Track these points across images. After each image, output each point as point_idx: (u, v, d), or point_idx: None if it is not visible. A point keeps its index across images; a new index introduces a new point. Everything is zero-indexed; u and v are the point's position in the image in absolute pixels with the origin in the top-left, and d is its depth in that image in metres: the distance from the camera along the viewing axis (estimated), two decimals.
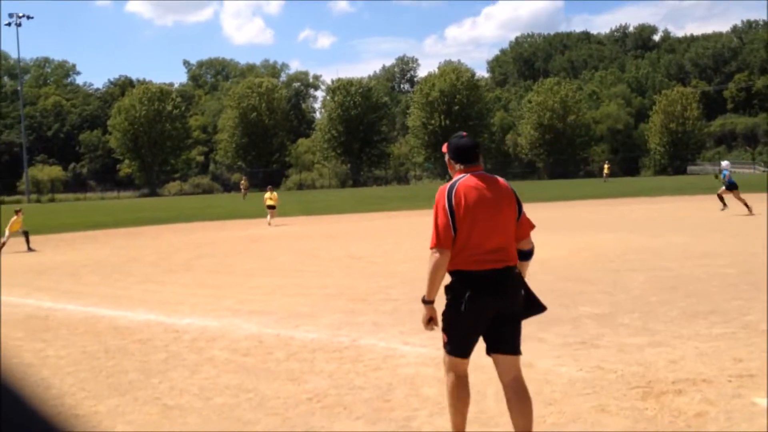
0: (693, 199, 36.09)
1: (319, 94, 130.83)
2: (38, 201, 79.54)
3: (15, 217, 22.61)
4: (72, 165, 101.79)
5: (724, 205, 24.81)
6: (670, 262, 13.63)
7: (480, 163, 4.67)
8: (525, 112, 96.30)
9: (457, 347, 4.56)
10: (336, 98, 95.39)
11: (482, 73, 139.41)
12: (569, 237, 19.08)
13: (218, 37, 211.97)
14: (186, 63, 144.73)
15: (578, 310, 9.41)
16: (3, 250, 21.67)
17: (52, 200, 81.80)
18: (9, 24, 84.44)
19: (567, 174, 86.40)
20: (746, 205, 24.11)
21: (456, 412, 4.63)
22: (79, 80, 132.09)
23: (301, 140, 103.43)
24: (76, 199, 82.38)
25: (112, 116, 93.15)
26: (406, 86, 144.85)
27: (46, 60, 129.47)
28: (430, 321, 4.58)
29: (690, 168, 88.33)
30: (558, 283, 11.74)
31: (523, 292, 4.54)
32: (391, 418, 5.56)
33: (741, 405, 5.49)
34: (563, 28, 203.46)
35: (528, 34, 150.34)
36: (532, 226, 4.71)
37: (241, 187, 60.12)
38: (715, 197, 25.53)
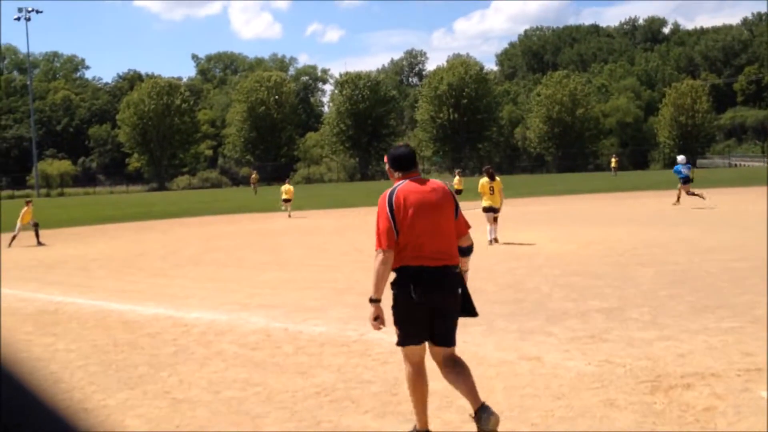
0: (703, 192, 35.91)
1: (328, 87, 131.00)
2: (48, 195, 79.88)
3: (26, 208, 22.65)
4: (81, 159, 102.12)
5: (692, 195, 26.09)
6: (679, 256, 13.59)
7: (417, 169, 5.06)
8: (534, 106, 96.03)
9: (408, 336, 4.82)
10: (344, 92, 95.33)
11: (491, 66, 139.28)
12: (578, 231, 19.04)
13: (227, 31, 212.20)
14: (194, 57, 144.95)
15: (587, 304, 9.39)
16: (14, 243, 21.76)
17: (61, 194, 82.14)
18: (18, 18, 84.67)
19: (576, 167, 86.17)
20: (678, 198, 26.55)
21: (416, 401, 4.90)
22: (88, 74, 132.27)
23: (309, 134, 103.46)
24: (86, 194, 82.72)
25: (121, 110, 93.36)
26: (415, 80, 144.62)
27: (56, 54, 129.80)
28: (376, 319, 4.81)
29: (700, 161, 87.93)
30: (566, 277, 11.72)
31: (460, 291, 4.84)
32: (398, 411, 5.57)
33: (749, 399, 5.48)
34: (572, 21, 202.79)
35: (537, 27, 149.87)
36: (469, 226, 5.06)
37: (252, 181, 58.91)
38: (696, 195, 26.15)
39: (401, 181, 4.93)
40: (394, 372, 6.63)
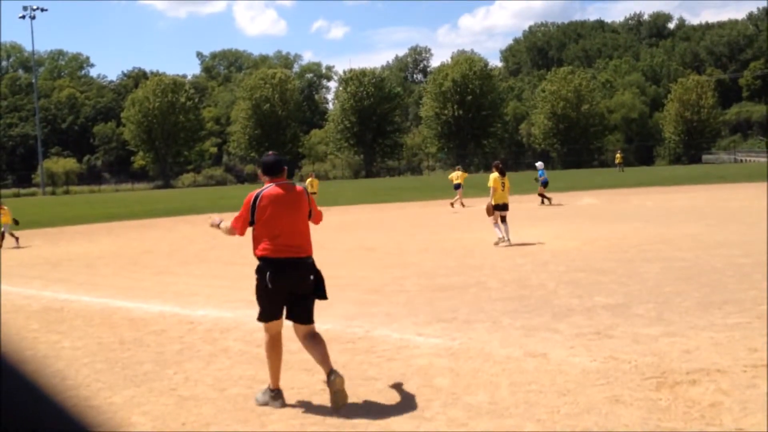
0: (708, 188, 35.87)
1: (332, 84, 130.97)
2: (53, 193, 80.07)
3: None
4: (86, 157, 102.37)
5: (544, 201, 28.93)
6: (685, 252, 13.56)
7: (283, 175, 6.01)
8: (538, 102, 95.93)
9: (265, 314, 5.85)
10: (349, 89, 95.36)
11: (495, 62, 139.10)
12: (583, 227, 19.02)
13: (231, 28, 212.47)
14: (199, 54, 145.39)
15: (592, 300, 9.38)
16: (3, 244, 21.36)
17: (66, 192, 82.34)
18: (23, 17, 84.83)
19: (581, 164, 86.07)
20: (547, 198, 28.79)
21: (271, 365, 5.90)
22: (93, 72, 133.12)
23: (314, 131, 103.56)
24: (91, 191, 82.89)
25: (125, 108, 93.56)
26: (419, 76, 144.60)
27: (60, 52, 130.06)
28: (219, 224, 6.37)
29: (705, 157, 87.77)
30: (572, 273, 11.71)
31: (313, 277, 5.84)
32: (404, 408, 5.58)
33: (756, 395, 5.46)
34: (577, 17, 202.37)
35: (542, 23, 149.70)
36: (321, 218, 6.37)
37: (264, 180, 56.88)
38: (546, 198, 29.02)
39: (269, 185, 5.93)
40: (400, 369, 6.64)
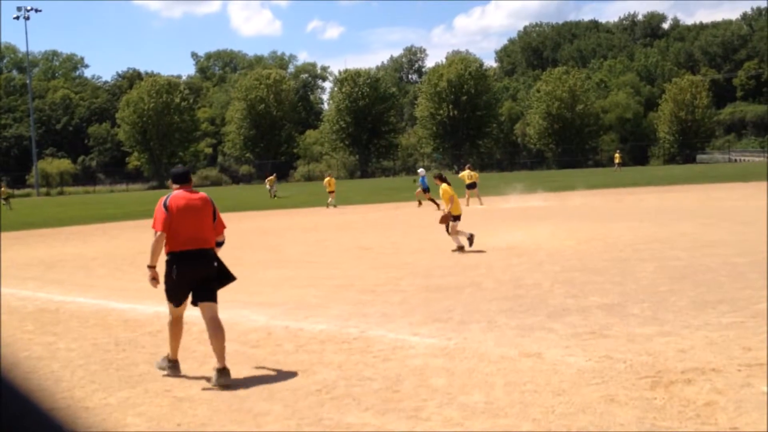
0: (702, 188, 35.95)
1: (327, 85, 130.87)
2: (48, 194, 79.90)
3: None
4: (81, 158, 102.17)
5: (422, 203, 30.29)
6: (680, 251, 13.59)
7: (189, 182, 7.10)
8: (533, 102, 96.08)
9: (172, 299, 6.90)
10: (344, 89, 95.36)
11: (490, 62, 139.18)
12: (578, 227, 19.04)
13: (226, 28, 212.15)
14: (194, 55, 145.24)
15: (587, 299, 9.39)
16: None
17: (61, 193, 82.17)
18: (18, 17, 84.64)
19: (576, 163, 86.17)
20: (433, 202, 28.48)
21: (173, 339, 6.91)
22: (88, 73, 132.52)
23: (309, 131, 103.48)
24: (86, 192, 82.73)
25: (120, 109, 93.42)
26: (414, 77, 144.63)
27: (55, 53, 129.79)
28: (153, 279, 6.97)
29: (699, 157, 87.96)
30: (567, 273, 11.72)
31: (216, 264, 6.95)
32: (400, 408, 5.57)
33: (751, 394, 5.47)
34: (572, 17, 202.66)
35: (536, 23, 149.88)
36: (224, 227, 7.22)
37: (268, 183, 47.05)
38: (427, 201, 29.93)
39: (177, 191, 6.96)
40: (396, 369, 6.64)
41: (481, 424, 5.15)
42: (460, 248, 14.98)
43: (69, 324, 9.62)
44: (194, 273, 6.78)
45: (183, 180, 7.08)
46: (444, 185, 15.66)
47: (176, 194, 6.91)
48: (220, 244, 7.27)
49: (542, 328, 7.93)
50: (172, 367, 6.87)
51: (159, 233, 6.77)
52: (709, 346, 6.84)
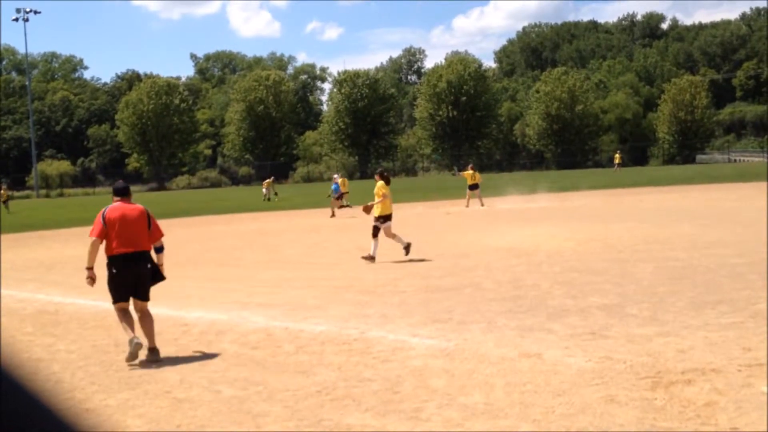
0: (702, 188, 35.96)
1: (326, 86, 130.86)
2: (47, 196, 79.85)
3: None
4: (80, 159, 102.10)
5: (343, 206, 29.35)
6: (679, 252, 13.59)
7: (128, 195, 8.09)
8: (533, 102, 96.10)
9: (116, 297, 7.79)
10: (343, 90, 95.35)
11: (490, 63, 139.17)
12: (577, 227, 19.04)
13: (225, 30, 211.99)
14: (193, 56, 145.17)
15: (587, 300, 9.39)
16: None
17: (61, 195, 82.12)
18: (17, 19, 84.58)
19: (575, 164, 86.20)
20: (336, 209, 28.71)
21: (126, 325, 7.66)
22: (87, 75, 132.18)
23: (308, 133, 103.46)
24: (85, 194, 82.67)
25: (119, 110, 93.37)
26: (413, 77, 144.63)
27: (54, 55, 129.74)
28: (89, 279, 7.88)
29: (699, 157, 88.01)
30: (566, 273, 11.72)
31: (150, 266, 7.87)
32: (399, 409, 5.57)
33: (750, 394, 5.48)
34: (571, 18, 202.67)
35: (535, 23, 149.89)
36: (161, 234, 8.12)
37: (265, 186, 45.05)
38: (346, 207, 29.43)
39: (116, 203, 7.96)
40: (395, 370, 6.64)
41: (481, 424, 5.15)
42: (371, 258, 14.06)
43: (68, 326, 9.62)
44: (130, 273, 7.75)
45: (123, 194, 8.12)
46: (381, 182, 14.87)
47: (114, 206, 7.93)
48: (159, 249, 8.14)
49: (542, 328, 7.93)
50: (136, 341, 7.56)
51: (93, 239, 7.76)
52: (708, 347, 6.84)
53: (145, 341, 7.60)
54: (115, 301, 7.83)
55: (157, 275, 8.01)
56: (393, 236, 14.63)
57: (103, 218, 7.76)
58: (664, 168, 73.79)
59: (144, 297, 7.84)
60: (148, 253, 7.90)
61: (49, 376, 7.00)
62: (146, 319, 7.75)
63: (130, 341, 7.46)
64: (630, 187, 39.72)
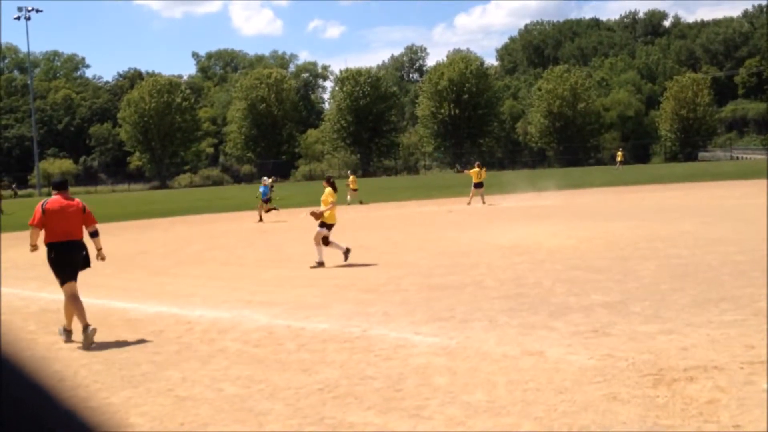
0: (704, 186, 35.92)
1: (328, 84, 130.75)
2: (49, 194, 79.82)
3: None
4: (82, 158, 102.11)
5: (263, 214, 27.29)
6: (681, 249, 13.58)
7: (66, 190, 9.06)
8: (535, 100, 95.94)
9: (62, 278, 8.72)
10: (345, 88, 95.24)
11: (491, 61, 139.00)
12: (579, 225, 19.03)
13: (227, 28, 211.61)
14: (195, 55, 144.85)
15: (589, 298, 9.40)
16: None
17: None
18: (18, 18, 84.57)
19: (577, 162, 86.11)
20: (261, 217, 26.92)
21: (68, 315, 8.69)
22: (89, 73, 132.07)
23: (310, 131, 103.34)
24: (87, 192, 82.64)
25: (121, 109, 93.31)
26: (415, 75, 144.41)
27: (56, 53, 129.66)
28: (32, 246, 9.06)
29: (701, 154, 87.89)
30: (568, 271, 11.72)
31: (84, 253, 8.93)
32: (402, 407, 5.58)
33: (753, 392, 5.48)
34: (573, 15, 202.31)
35: (537, 21, 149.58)
36: (94, 220, 9.25)
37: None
38: (274, 210, 28.05)
39: (55, 196, 8.90)
40: (398, 368, 6.64)
41: (484, 422, 5.16)
42: (320, 264, 13.89)
43: (71, 324, 9.61)
44: (66, 258, 8.76)
45: (61, 188, 9.09)
46: (329, 188, 14.69)
47: (53, 199, 8.87)
48: (94, 234, 9.31)
49: (544, 326, 7.93)
50: (68, 334, 8.68)
51: (33, 228, 8.85)
52: (711, 344, 6.84)
53: (70, 323, 8.68)
54: (63, 282, 8.71)
55: (87, 262, 9.10)
56: (329, 244, 14.22)
57: (43, 209, 8.69)
58: (667, 165, 73.71)
59: (73, 278, 8.90)
60: (82, 241, 8.98)
61: (51, 374, 7.00)
62: (76, 303, 8.70)
63: (85, 328, 8.28)
64: (632, 185, 39.68)
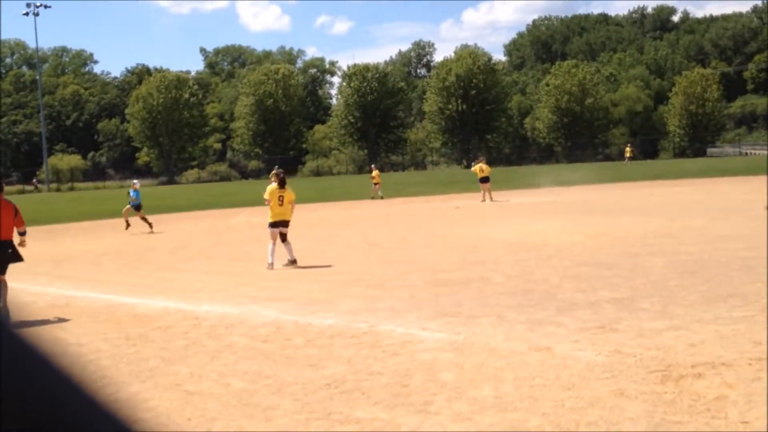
0: (712, 181, 35.79)
1: (336, 80, 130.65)
2: (58, 190, 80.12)
3: None
4: (91, 154, 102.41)
5: (129, 224, 23.27)
6: (690, 245, 13.54)
7: (1, 191, 10.15)
8: (542, 96, 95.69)
9: None
10: (352, 84, 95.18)
11: (499, 56, 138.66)
12: (587, 221, 18.99)
13: (235, 24, 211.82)
14: (203, 50, 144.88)
15: (597, 294, 9.38)
16: None
17: (71, 189, 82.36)
18: (27, 13, 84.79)
19: (585, 157, 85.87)
20: (148, 223, 23.10)
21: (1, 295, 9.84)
22: (97, 69, 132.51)
23: (317, 126, 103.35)
24: (96, 188, 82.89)
25: (129, 105, 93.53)
26: (423, 71, 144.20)
27: (64, 49, 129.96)
28: None
29: (710, 150, 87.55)
30: (576, 267, 11.70)
31: (10, 251, 10.05)
32: (409, 403, 5.58)
33: (761, 388, 5.46)
34: (581, 11, 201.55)
35: (545, 16, 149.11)
36: (24, 223, 10.60)
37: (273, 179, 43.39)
38: (146, 221, 23.41)
39: None
40: (405, 363, 6.64)
41: (491, 418, 5.16)
42: (292, 262, 13.64)
43: (79, 319, 9.66)
44: None
45: None
46: (272, 185, 14.15)
47: None
48: (23, 233, 10.69)
49: (551, 322, 7.92)
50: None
51: None
52: (719, 341, 6.82)
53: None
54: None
55: (17, 257, 10.29)
56: (272, 243, 13.73)
57: None
58: (675, 161, 73.44)
59: (2, 271, 10.07)
60: (11, 241, 10.23)
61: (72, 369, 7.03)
62: (4, 285, 10.02)
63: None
64: (640, 181, 39.56)
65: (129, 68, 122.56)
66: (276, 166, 18.35)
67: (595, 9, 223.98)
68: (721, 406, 5.16)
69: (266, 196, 14.09)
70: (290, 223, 14.09)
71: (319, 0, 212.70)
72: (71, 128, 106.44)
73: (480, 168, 29.42)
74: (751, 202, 22.17)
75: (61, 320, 9.62)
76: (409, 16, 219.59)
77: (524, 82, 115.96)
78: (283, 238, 13.80)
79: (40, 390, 0.69)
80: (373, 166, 38.25)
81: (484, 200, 29.10)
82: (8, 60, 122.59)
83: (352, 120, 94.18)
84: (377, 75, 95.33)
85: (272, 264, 13.34)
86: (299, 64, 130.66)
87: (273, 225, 13.92)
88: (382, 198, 34.50)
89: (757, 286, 9.30)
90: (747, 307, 8.17)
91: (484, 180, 29.19)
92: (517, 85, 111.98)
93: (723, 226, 16.46)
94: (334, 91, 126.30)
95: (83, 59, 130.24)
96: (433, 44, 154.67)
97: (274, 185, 14.06)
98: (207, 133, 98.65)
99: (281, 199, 13.86)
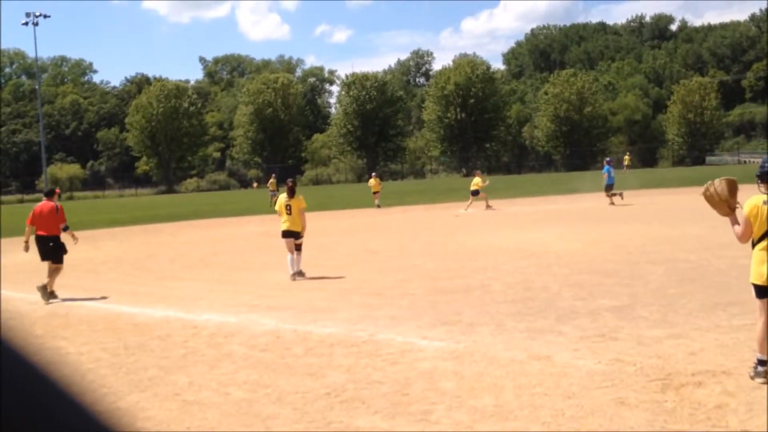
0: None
1: (335, 88, 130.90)
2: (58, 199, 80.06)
3: None
4: (90, 163, 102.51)
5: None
6: (689, 253, 13.54)
7: (52, 197, 12.39)
8: (541, 104, 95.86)
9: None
10: (351, 93, 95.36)
11: (498, 65, 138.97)
12: (586, 229, 18.99)
13: (234, 33, 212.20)
14: (202, 60, 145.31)
15: (596, 302, 9.37)
16: None
17: (70, 198, 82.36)
18: (26, 23, 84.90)
19: (584, 166, 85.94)
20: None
21: None
22: (96, 78, 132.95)
23: (316, 135, 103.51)
24: (95, 197, 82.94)
25: (129, 114, 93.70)
26: (422, 80, 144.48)
27: (63, 59, 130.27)
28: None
29: (708, 158, 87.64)
30: (576, 275, 11.70)
31: (51, 245, 12.04)
32: (409, 412, 5.57)
33: (761, 396, 5.45)
34: (580, 19, 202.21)
35: (544, 25, 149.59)
36: (64, 221, 12.53)
37: (270, 187, 41.79)
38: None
39: (44, 202, 12.10)
40: (404, 372, 6.63)
41: (491, 427, 5.14)
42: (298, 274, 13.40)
43: (78, 328, 9.65)
44: (45, 250, 11.83)
45: (48, 195, 11.76)
46: (283, 195, 14.13)
47: (41, 204, 11.72)
48: (65, 228, 12.37)
49: (551, 330, 7.91)
50: None
51: (30, 225, 11.28)
52: (719, 349, 6.81)
53: None
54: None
55: (61, 250, 12.23)
56: (290, 252, 13.62)
57: (33, 211, 11.79)
58: (674, 169, 73.53)
59: (55, 261, 11.85)
60: (58, 236, 12.09)
61: (59, 379, 7.01)
62: (55, 273, 11.71)
63: None
64: (639, 189, 39.56)
65: (128, 77, 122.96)
66: (279, 177, 18.38)
67: (594, 18, 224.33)
68: (721, 414, 5.15)
69: (276, 207, 14.35)
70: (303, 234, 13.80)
71: (320, 2, 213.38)
72: (70, 137, 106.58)
73: (474, 181, 29.98)
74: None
75: (60, 329, 9.60)
76: (408, 24, 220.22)
77: (523, 90, 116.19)
78: (297, 248, 13.70)
79: (35, 400, 0.69)
80: (373, 174, 38.33)
81: (487, 207, 29.31)
82: (8, 69, 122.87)
83: (351, 129, 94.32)
84: (376, 84, 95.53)
85: (294, 275, 13.24)
86: (298, 72, 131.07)
87: (283, 235, 13.89)
88: (378, 207, 34.57)
89: None
90: (747, 315, 8.16)
91: (475, 192, 29.62)
92: (515, 93, 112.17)
93: (722, 234, 16.44)
94: (333, 100, 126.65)
95: (83, 69, 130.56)
96: (432, 53, 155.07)
97: (284, 195, 14.06)
98: (206, 142, 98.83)
99: (289, 208, 13.82)
